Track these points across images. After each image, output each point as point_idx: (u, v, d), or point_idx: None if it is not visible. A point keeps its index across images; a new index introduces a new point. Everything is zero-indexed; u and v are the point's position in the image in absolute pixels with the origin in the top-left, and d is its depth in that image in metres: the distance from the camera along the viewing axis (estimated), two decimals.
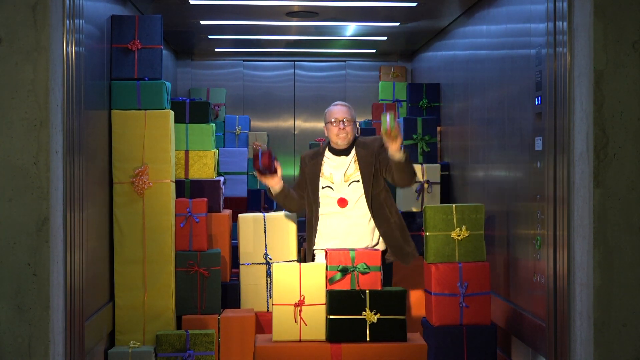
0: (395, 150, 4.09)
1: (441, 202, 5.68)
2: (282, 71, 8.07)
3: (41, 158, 3.22)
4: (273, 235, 4.92)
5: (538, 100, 3.85)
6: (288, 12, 5.74)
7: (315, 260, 4.40)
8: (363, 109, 7.72)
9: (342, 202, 4.35)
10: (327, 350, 3.88)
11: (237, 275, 5.08)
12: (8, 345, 3.21)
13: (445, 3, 5.43)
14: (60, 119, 3.33)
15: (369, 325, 3.91)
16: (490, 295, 4.23)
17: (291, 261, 4.85)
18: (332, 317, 3.91)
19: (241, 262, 4.93)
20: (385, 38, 6.99)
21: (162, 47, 4.64)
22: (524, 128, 4.13)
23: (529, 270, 4.03)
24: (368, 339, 3.91)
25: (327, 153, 4.47)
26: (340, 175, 4.38)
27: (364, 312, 3.91)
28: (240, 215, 4.99)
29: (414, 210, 5.56)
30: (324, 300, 3.95)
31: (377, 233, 4.37)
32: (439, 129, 6.24)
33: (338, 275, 3.95)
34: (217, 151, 5.54)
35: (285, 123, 8.00)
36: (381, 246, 4.38)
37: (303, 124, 8.06)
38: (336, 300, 3.91)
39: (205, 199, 4.88)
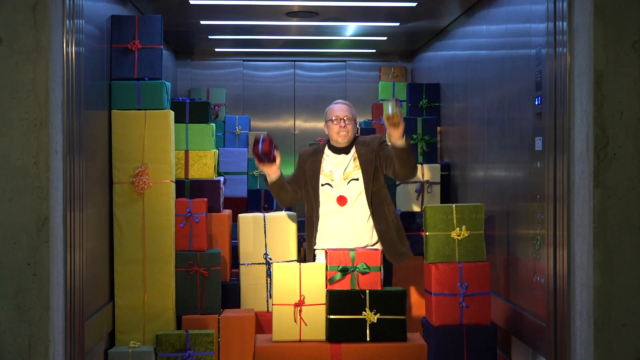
0: (397, 137, 4.12)
1: (441, 202, 5.68)
2: (282, 71, 8.07)
3: (41, 158, 3.22)
4: (273, 235, 4.92)
5: (538, 100, 3.85)
6: (288, 12, 5.74)
7: (316, 260, 4.41)
8: (363, 109, 7.72)
9: (342, 200, 4.36)
10: (327, 350, 3.88)
11: (237, 275, 5.08)
12: (8, 345, 3.21)
13: (445, 3, 5.43)
14: (60, 119, 3.33)
15: (369, 325, 3.91)
16: (490, 295, 4.23)
17: (291, 261, 4.85)
18: (332, 317, 3.91)
19: (241, 262, 4.93)
20: (385, 38, 6.99)
21: (162, 47, 4.64)
22: (524, 128, 4.13)
23: (529, 270, 4.03)
24: (368, 339, 3.91)
25: (327, 151, 4.48)
26: (339, 173, 4.39)
27: (364, 312, 3.91)
28: (240, 215, 4.99)
29: (414, 210, 5.56)
30: (324, 300, 3.95)
31: (375, 231, 4.38)
32: (439, 129, 6.24)
33: (338, 275, 3.95)
34: (217, 151, 5.54)
35: (285, 123, 8.00)
36: (380, 245, 4.39)
37: (303, 124, 8.06)
38: (336, 300, 3.91)
39: (205, 199, 4.88)
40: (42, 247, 3.23)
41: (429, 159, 5.79)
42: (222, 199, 5.25)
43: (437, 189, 5.63)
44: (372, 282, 3.96)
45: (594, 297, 3.29)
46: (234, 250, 5.22)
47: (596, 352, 3.29)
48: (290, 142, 7.89)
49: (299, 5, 5.53)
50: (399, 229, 4.42)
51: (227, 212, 5.25)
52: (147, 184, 4.50)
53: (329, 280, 3.95)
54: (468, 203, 4.94)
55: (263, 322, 4.79)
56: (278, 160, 4.36)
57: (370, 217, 4.37)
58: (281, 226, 4.92)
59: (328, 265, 3.97)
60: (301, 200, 4.60)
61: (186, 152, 5.19)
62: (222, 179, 5.33)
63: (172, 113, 4.71)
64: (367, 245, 4.36)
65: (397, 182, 5.64)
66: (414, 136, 5.72)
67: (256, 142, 4.33)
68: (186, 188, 5.12)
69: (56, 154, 3.30)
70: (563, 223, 3.46)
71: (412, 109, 6.51)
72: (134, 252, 4.49)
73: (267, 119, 7.90)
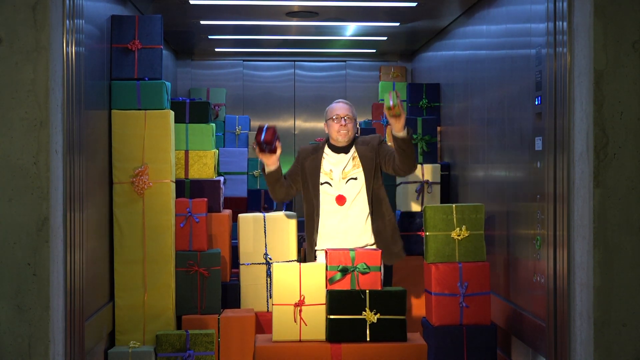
0: (399, 128, 4.13)
1: (441, 202, 5.68)
2: (282, 71, 8.07)
3: (41, 158, 3.23)
4: (273, 235, 4.92)
5: (538, 100, 3.85)
6: (288, 12, 5.74)
7: (317, 260, 4.41)
8: (363, 109, 7.72)
9: (341, 200, 4.36)
10: (327, 350, 3.88)
11: (237, 275, 5.08)
12: (8, 345, 3.21)
13: (445, 3, 5.43)
14: (60, 119, 3.33)
15: (369, 325, 3.91)
16: (490, 295, 4.24)
17: (291, 261, 4.85)
18: (332, 317, 3.90)
19: (241, 262, 4.93)
20: (385, 38, 6.99)
21: (162, 47, 4.64)
22: (524, 128, 4.13)
23: (529, 270, 4.03)
24: (368, 339, 3.91)
25: (327, 150, 4.49)
26: (338, 172, 4.40)
27: (364, 312, 3.91)
28: (240, 215, 4.99)
29: (414, 210, 5.56)
30: (324, 300, 3.95)
31: (375, 231, 4.38)
32: (439, 129, 6.24)
33: (338, 275, 3.95)
34: (217, 151, 5.54)
35: (285, 123, 8.00)
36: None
37: (303, 124, 8.06)
38: (336, 300, 3.91)
39: (205, 199, 4.88)
40: (42, 247, 3.23)
41: (429, 159, 5.79)
42: (222, 199, 5.25)
43: (437, 189, 5.63)
44: (372, 282, 3.96)
45: (594, 297, 3.29)
46: (234, 250, 5.22)
47: (596, 352, 3.29)
48: (290, 142, 7.89)
49: (299, 5, 5.53)
50: (394, 229, 4.43)
51: (227, 212, 5.25)
52: (147, 184, 4.50)
53: (329, 280, 3.95)
54: (468, 203, 4.94)
55: (263, 322, 4.79)
56: (279, 151, 4.35)
57: (369, 216, 4.38)
58: (281, 226, 4.92)
59: (328, 265, 3.97)
60: (295, 196, 4.59)
61: (186, 152, 5.19)
62: (222, 179, 5.33)
63: (172, 113, 4.70)
64: (366, 245, 4.36)
65: (398, 182, 5.64)
66: (414, 136, 5.72)
67: (260, 130, 4.29)
68: (186, 188, 5.12)
69: (56, 154, 3.30)
70: (563, 223, 3.46)
71: (412, 109, 6.51)
72: (134, 252, 4.49)
73: (267, 119, 7.89)
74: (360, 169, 4.39)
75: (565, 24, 3.41)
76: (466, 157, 5.49)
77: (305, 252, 4.61)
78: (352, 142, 4.47)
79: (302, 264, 4.03)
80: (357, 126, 6.07)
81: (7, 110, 3.22)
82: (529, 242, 4.02)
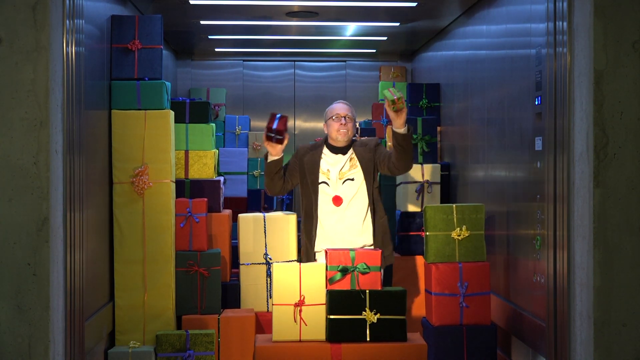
0: (400, 124, 4.13)
1: (441, 202, 5.68)
2: (282, 71, 8.07)
3: (41, 158, 3.22)
4: (273, 235, 4.92)
5: (538, 100, 3.85)
6: (288, 12, 5.74)
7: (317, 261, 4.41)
8: (363, 109, 7.72)
9: (337, 201, 4.37)
10: (327, 350, 3.88)
11: (237, 275, 5.08)
12: (8, 345, 3.21)
13: (445, 3, 5.43)
14: (60, 119, 3.33)
15: (369, 325, 3.91)
16: (490, 295, 4.24)
17: (291, 261, 4.85)
18: (332, 317, 3.90)
19: (241, 262, 4.93)
20: (385, 38, 6.99)
21: (162, 47, 4.64)
22: (524, 128, 4.13)
23: (529, 270, 4.03)
24: (368, 339, 3.91)
25: (325, 150, 4.49)
26: (335, 173, 4.40)
27: (364, 312, 3.91)
28: (240, 215, 4.99)
29: (414, 210, 5.56)
30: (324, 300, 3.95)
31: (373, 231, 4.38)
32: (439, 129, 6.24)
33: (338, 275, 3.94)
34: (217, 151, 5.54)
35: None
36: None
37: (303, 124, 8.06)
38: (336, 300, 3.91)
39: (205, 199, 4.88)
40: (42, 247, 3.23)
41: (429, 159, 5.79)
42: (222, 199, 5.25)
43: (437, 189, 5.63)
44: (372, 282, 3.95)
45: (594, 297, 3.29)
46: (234, 250, 5.22)
47: (596, 352, 3.29)
48: (290, 142, 7.87)
49: (299, 5, 5.53)
50: (385, 232, 4.42)
51: (227, 212, 5.25)
52: (147, 184, 4.50)
53: (329, 280, 3.95)
54: (468, 203, 4.94)
55: (263, 322, 4.79)
56: (285, 142, 4.34)
57: (366, 217, 4.38)
58: (281, 226, 4.92)
59: (328, 265, 3.97)
60: (290, 190, 4.58)
61: (186, 152, 5.19)
62: (222, 179, 5.33)
63: (172, 113, 4.70)
64: (364, 246, 4.36)
65: (398, 182, 5.64)
66: (414, 136, 5.72)
67: (272, 117, 4.28)
68: (186, 188, 5.12)
69: (56, 154, 3.30)
70: (563, 223, 3.46)
71: (412, 109, 6.51)
72: (134, 252, 4.49)
73: (267, 119, 7.89)
74: (358, 169, 4.40)
75: (565, 24, 3.41)
76: (466, 157, 5.49)
77: (302, 249, 4.59)
78: (350, 143, 4.48)
79: (302, 264, 4.03)
80: (357, 126, 6.08)
81: (7, 110, 3.22)
82: (529, 242, 4.02)
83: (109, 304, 4.40)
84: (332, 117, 4.45)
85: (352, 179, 4.38)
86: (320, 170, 4.42)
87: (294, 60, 8.05)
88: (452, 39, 6.08)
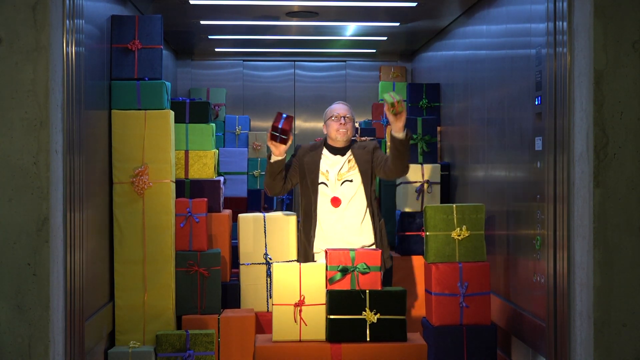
0: (399, 128, 4.13)
1: (441, 202, 5.68)
2: (282, 71, 8.08)
3: (41, 158, 3.22)
4: (273, 235, 4.92)
5: (538, 100, 3.85)
6: (288, 12, 5.74)
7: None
8: (363, 109, 7.72)
9: (336, 202, 4.37)
10: (327, 350, 3.88)
11: (237, 275, 5.08)
12: (8, 345, 3.21)
13: (445, 3, 5.43)
14: (60, 119, 3.33)
15: (369, 325, 3.91)
16: (490, 295, 4.24)
17: (291, 261, 4.85)
18: (332, 317, 3.90)
19: (241, 262, 4.93)
20: (385, 38, 6.99)
21: (162, 47, 4.64)
22: (524, 128, 4.13)
23: (529, 270, 4.03)
24: (368, 339, 3.91)
25: (324, 150, 4.49)
26: (334, 174, 4.40)
27: (364, 312, 3.91)
28: (240, 215, 4.99)
29: (414, 210, 5.56)
30: (324, 300, 3.95)
31: (371, 232, 4.38)
32: (439, 129, 6.24)
33: (338, 275, 3.94)
34: (217, 151, 5.54)
35: None
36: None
37: (303, 124, 8.06)
38: (336, 300, 3.91)
39: (205, 199, 4.88)
40: (42, 247, 3.23)
41: (429, 159, 5.78)
42: (222, 199, 5.25)
43: (437, 189, 5.63)
44: (372, 282, 3.95)
45: (594, 297, 3.29)
46: (234, 250, 5.22)
47: (596, 352, 3.29)
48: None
49: (299, 5, 5.53)
50: (382, 237, 4.43)
51: (227, 212, 5.25)
52: (147, 184, 4.50)
53: (329, 280, 3.95)
54: (468, 203, 4.94)
55: (263, 322, 4.79)
56: (289, 143, 4.33)
57: (364, 218, 4.38)
58: (281, 226, 4.92)
59: (328, 265, 3.97)
60: (289, 190, 4.58)
61: (186, 152, 5.19)
62: (222, 179, 5.32)
63: (172, 113, 4.70)
64: (363, 246, 4.36)
65: (398, 182, 5.64)
66: (414, 136, 5.72)
67: (278, 117, 4.26)
68: (186, 188, 5.12)
69: (56, 154, 3.30)
70: (563, 223, 3.46)
71: (412, 109, 6.51)
72: (134, 252, 4.49)
73: (267, 119, 7.89)
74: (356, 170, 4.40)
75: (565, 24, 3.41)
76: (466, 157, 5.49)
77: (299, 249, 4.58)
78: (349, 145, 4.48)
79: (302, 264, 4.03)
80: (357, 126, 6.08)
81: (7, 110, 3.22)
82: (529, 242, 4.02)
83: (109, 304, 4.40)
84: (331, 117, 4.46)
85: (351, 180, 4.39)
86: (319, 171, 4.42)
87: (294, 60, 8.05)
88: (452, 39, 6.08)
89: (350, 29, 6.59)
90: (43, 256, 3.23)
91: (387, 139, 5.86)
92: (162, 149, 4.56)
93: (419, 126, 5.80)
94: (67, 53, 3.37)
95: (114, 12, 4.61)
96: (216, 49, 7.65)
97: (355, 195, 4.39)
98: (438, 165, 5.72)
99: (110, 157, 4.50)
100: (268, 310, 4.88)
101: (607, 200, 3.29)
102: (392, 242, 5.73)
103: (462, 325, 4.13)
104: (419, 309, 5.25)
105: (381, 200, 5.89)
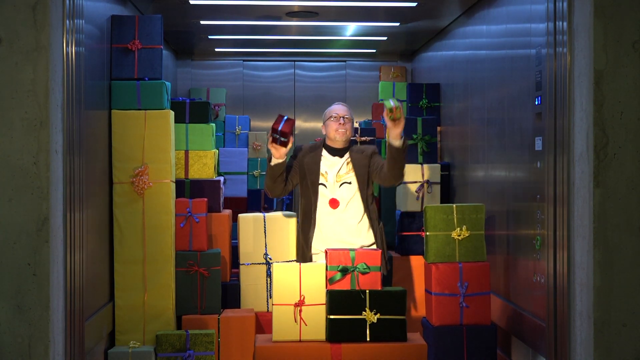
0: (396, 135, 4.11)
1: (441, 202, 5.68)
2: (282, 71, 8.08)
3: (41, 158, 3.22)
4: (273, 235, 4.92)
5: (538, 100, 3.85)
6: (288, 12, 5.75)
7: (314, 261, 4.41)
8: (363, 109, 7.72)
9: (334, 203, 4.37)
10: (327, 350, 3.88)
11: (237, 275, 5.08)
12: (8, 345, 3.21)
13: (445, 3, 5.43)
14: (60, 119, 3.33)
15: (369, 325, 3.91)
16: (490, 295, 4.24)
17: (291, 261, 4.85)
18: (332, 317, 3.90)
19: (241, 262, 4.93)
20: (385, 38, 6.99)
21: (162, 47, 4.64)
22: (524, 128, 4.13)
23: (529, 270, 4.03)
24: (368, 339, 3.91)
25: (324, 151, 4.49)
26: (333, 175, 4.40)
27: (364, 312, 3.91)
28: (240, 215, 4.99)
29: (414, 210, 5.55)
30: (324, 300, 3.95)
31: (370, 232, 4.38)
32: (439, 129, 6.24)
33: (338, 275, 3.94)
34: (217, 151, 5.54)
35: None
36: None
37: (303, 124, 8.06)
38: (336, 300, 3.91)
39: (205, 199, 4.88)
40: (42, 247, 3.23)
41: (429, 159, 5.78)
42: (222, 199, 5.25)
43: (437, 189, 5.63)
44: (372, 282, 3.95)
45: (594, 297, 3.29)
46: (234, 250, 5.22)
47: (596, 352, 3.29)
48: None
49: (299, 5, 5.53)
50: (382, 242, 4.42)
51: (227, 212, 5.25)
52: (147, 184, 4.50)
53: (329, 280, 3.95)
54: (468, 203, 4.94)
55: (263, 322, 4.79)
56: (289, 145, 4.32)
57: (362, 219, 4.38)
58: (281, 226, 4.92)
59: (328, 265, 3.97)
60: (289, 193, 4.58)
61: (186, 152, 5.19)
62: (222, 179, 5.32)
63: (172, 113, 4.70)
64: (362, 246, 4.36)
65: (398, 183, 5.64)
66: (414, 136, 5.72)
67: (278, 119, 4.24)
68: (186, 188, 5.12)
69: (56, 154, 3.30)
70: (563, 223, 3.46)
71: (412, 109, 6.51)
72: (134, 252, 4.49)
73: (267, 119, 7.90)
74: (354, 173, 4.40)
75: (565, 24, 3.41)
76: (466, 157, 5.49)
77: (297, 250, 4.57)
78: (348, 147, 4.47)
79: (302, 264, 4.03)
80: (357, 126, 6.08)
81: (7, 110, 3.22)
82: (529, 242, 4.02)
83: (109, 304, 4.40)
84: (330, 117, 4.46)
85: (350, 183, 4.38)
86: (320, 172, 4.42)
87: (294, 60, 8.05)
88: (452, 39, 6.08)
89: (350, 29, 6.59)
90: (43, 256, 3.23)
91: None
92: (162, 149, 4.56)
93: (419, 126, 5.80)
94: (67, 53, 3.37)
95: (114, 12, 4.61)
96: (216, 49, 7.65)
97: (353, 198, 4.39)
98: (438, 165, 5.72)
99: (110, 157, 4.50)
100: (268, 310, 4.88)
101: (607, 200, 3.29)
102: (392, 242, 5.74)
103: (462, 325, 4.13)
104: (419, 309, 5.25)
105: (381, 200, 5.89)
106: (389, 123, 4.09)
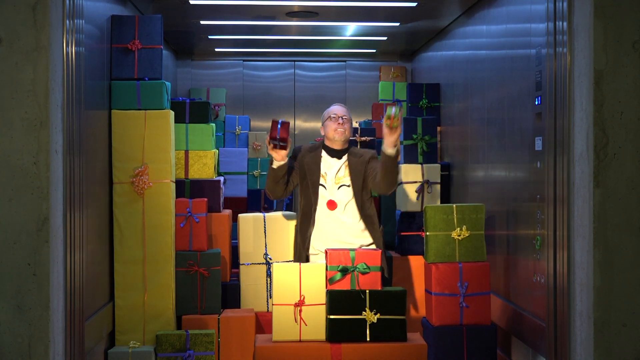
0: (390, 143, 4.11)
1: (441, 202, 5.68)
2: (282, 71, 8.07)
3: (41, 158, 3.22)
4: (273, 235, 4.92)
5: (538, 100, 3.85)
6: (288, 12, 5.74)
7: (311, 262, 4.40)
8: (363, 109, 7.72)
9: (332, 205, 4.37)
10: (327, 350, 3.88)
11: (237, 275, 5.08)
12: (8, 345, 3.21)
13: (445, 3, 5.43)
14: (60, 119, 3.33)
15: (369, 325, 3.91)
16: (490, 295, 4.24)
17: (291, 261, 4.85)
18: (332, 317, 3.90)
19: (241, 262, 4.93)
20: (385, 38, 6.99)
21: (162, 47, 4.64)
22: (524, 128, 4.13)
23: (529, 270, 4.03)
24: (368, 339, 3.91)
25: (323, 152, 4.49)
26: (332, 176, 4.40)
27: (364, 312, 3.91)
28: (240, 215, 4.99)
29: (414, 210, 5.55)
30: (324, 300, 3.95)
31: (366, 232, 4.37)
32: (439, 129, 6.24)
33: (338, 275, 3.94)
34: (217, 151, 5.54)
35: None
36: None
37: (303, 124, 8.06)
38: (336, 300, 3.91)
39: (205, 199, 4.88)
40: (42, 247, 3.23)
41: (429, 159, 5.78)
42: (222, 199, 5.25)
43: (437, 189, 5.63)
44: (372, 282, 3.95)
45: (594, 297, 3.29)
46: (234, 250, 5.22)
47: (596, 352, 3.29)
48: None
49: (299, 5, 5.53)
50: (383, 247, 4.42)
51: (227, 212, 5.26)
52: (147, 184, 4.50)
53: (329, 280, 3.95)
54: (468, 203, 4.94)
55: (263, 322, 4.79)
56: (289, 147, 4.31)
57: (360, 221, 4.38)
58: (281, 226, 4.92)
59: (328, 265, 3.97)
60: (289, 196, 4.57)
61: (186, 152, 5.19)
62: (222, 179, 5.33)
63: (172, 113, 4.70)
64: (362, 246, 4.35)
65: (398, 182, 5.63)
66: (414, 136, 5.72)
67: (274, 125, 4.23)
68: (186, 188, 5.12)
69: (56, 154, 3.30)
70: (563, 223, 3.46)
71: (412, 109, 6.51)
72: (134, 252, 4.49)
73: (267, 119, 7.90)
74: (350, 178, 4.39)
75: (565, 24, 3.41)
76: (466, 157, 5.49)
77: (294, 250, 4.56)
78: (346, 149, 4.47)
79: (302, 264, 4.03)
80: (357, 126, 6.08)
81: (7, 110, 3.22)
82: (529, 242, 4.02)
83: (109, 304, 4.40)
84: (329, 117, 4.46)
85: (348, 185, 4.38)
86: (320, 173, 4.42)
87: (294, 60, 8.05)
88: (452, 39, 6.08)
89: (350, 29, 6.59)
90: (43, 256, 3.23)
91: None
92: (162, 149, 4.56)
93: (419, 126, 5.80)
94: (67, 53, 3.37)
95: (114, 12, 4.61)
96: (216, 49, 7.65)
97: (351, 200, 4.38)
98: (438, 165, 5.72)
99: (110, 157, 4.50)
100: (268, 310, 4.88)
101: (607, 200, 3.29)
102: (392, 242, 5.74)
103: (462, 325, 4.13)
104: (419, 309, 5.25)
105: (381, 200, 5.89)
106: (385, 130, 4.11)
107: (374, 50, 7.75)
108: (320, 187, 4.39)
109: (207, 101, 5.36)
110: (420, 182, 5.59)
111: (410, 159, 5.63)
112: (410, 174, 5.54)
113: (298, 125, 8.03)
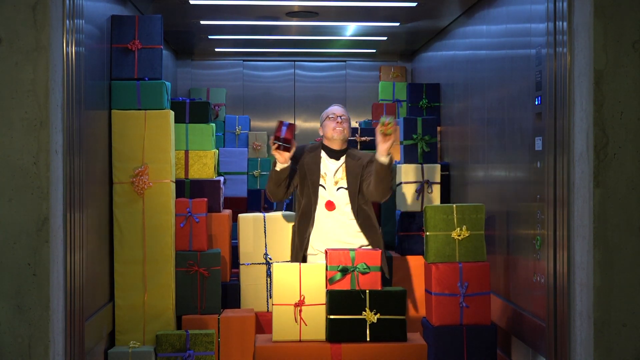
0: (383, 151, 4.09)
1: (441, 202, 5.67)
2: (282, 71, 8.08)
3: (41, 158, 3.22)
4: (273, 235, 4.92)
5: (538, 100, 3.85)
6: (288, 12, 5.75)
7: (309, 262, 4.39)
8: (363, 109, 7.72)
9: (330, 206, 4.36)
10: (327, 350, 3.88)
11: (237, 275, 5.08)
12: (8, 345, 3.21)
13: (445, 3, 5.43)
14: (60, 119, 3.33)
15: (369, 325, 3.91)
16: (490, 295, 4.24)
17: (291, 261, 4.84)
18: (332, 317, 3.90)
19: (241, 262, 4.94)
20: (385, 38, 6.99)
21: (162, 47, 4.64)
22: (524, 128, 4.13)
23: (529, 270, 4.03)
24: (368, 339, 3.91)
25: (322, 153, 4.48)
26: (330, 177, 4.40)
27: (364, 312, 3.91)
28: (240, 215, 4.99)
29: (414, 210, 5.55)
30: (324, 300, 3.95)
31: (362, 234, 4.37)
32: (439, 129, 6.24)
33: (338, 275, 3.94)
34: (217, 151, 5.54)
35: None
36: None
37: (303, 124, 8.06)
38: (336, 300, 3.91)
39: (205, 199, 4.88)
40: (42, 247, 3.23)
41: (429, 159, 5.78)
42: (222, 199, 5.25)
43: (437, 189, 5.62)
44: (372, 282, 3.95)
45: (594, 297, 3.29)
46: (234, 250, 5.22)
47: (596, 352, 3.29)
48: None
49: (299, 5, 5.53)
50: (383, 249, 4.41)
51: (227, 212, 5.26)
52: (147, 184, 4.50)
53: (329, 280, 3.95)
54: (468, 203, 4.94)
55: (263, 322, 4.79)
56: (292, 150, 4.30)
57: (359, 223, 4.37)
58: (281, 226, 4.92)
59: (328, 265, 3.96)
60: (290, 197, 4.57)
61: (186, 152, 5.19)
62: (222, 179, 5.33)
63: (172, 113, 4.70)
64: (362, 246, 4.35)
65: (398, 182, 5.64)
66: (414, 136, 5.71)
67: (280, 126, 4.22)
68: (186, 188, 5.12)
69: (56, 154, 3.30)
70: (563, 223, 3.46)
71: (412, 109, 6.51)
72: (134, 252, 4.49)
73: (267, 119, 7.90)
74: (346, 181, 4.39)
75: (565, 24, 3.41)
76: (466, 157, 5.49)
77: (292, 250, 4.55)
78: (345, 150, 4.46)
79: (302, 264, 4.03)
80: (357, 125, 6.08)
81: (7, 110, 3.22)
82: (529, 242, 4.02)
83: (109, 304, 4.40)
84: (328, 116, 4.46)
85: (346, 188, 4.38)
86: (320, 173, 4.42)
87: (294, 60, 8.05)
88: (452, 39, 6.08)
89: (350, 29, 6.59)
90: (43, 256, 3.23)
91: None
92: (162, 149, 4.56)
93: (419, 126, 5.80)
94: (67, 53, 3.37)
95: (114, 12, 4.61)
96: (216, 49, 7.66)
97: (349, 202, 4.37)
98: (438, 165, 5.71)
99: (110, 157, 4.50)
100: (268, 310, 4.88)
101: (607, 200, 3.29)
102: (392, 242, 5.74)
103: (462, 325, 4.13)
104: (419, 309, 5.25)
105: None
106: (378, 137, 4.10)
107: (374, 50, 7.75)
108: (320, 187, 4.39)
109: (207, 101, 5.36)
110: (420, 182, 5.59)
111: (410, 159, 5.63)
112: (410, 174, 5.54)
113: (298, 125, 8.02)
